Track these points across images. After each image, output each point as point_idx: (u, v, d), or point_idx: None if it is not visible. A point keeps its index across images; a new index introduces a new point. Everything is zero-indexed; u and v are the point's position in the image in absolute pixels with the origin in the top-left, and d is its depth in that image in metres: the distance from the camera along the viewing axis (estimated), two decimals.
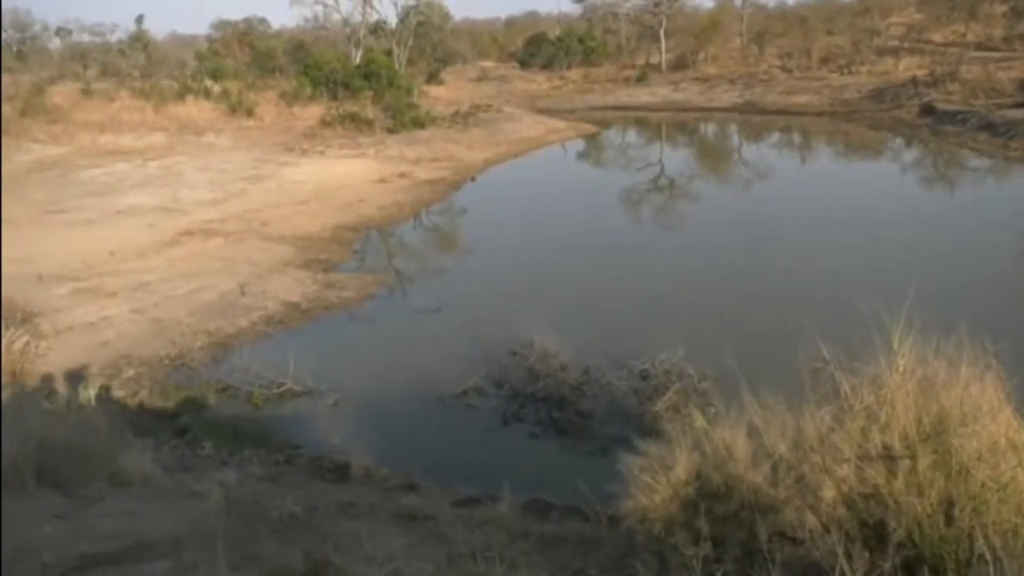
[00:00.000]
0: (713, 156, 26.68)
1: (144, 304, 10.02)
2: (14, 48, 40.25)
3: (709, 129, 32.80)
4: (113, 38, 40.14)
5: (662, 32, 44.39)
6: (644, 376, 7.45)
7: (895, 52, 35.29)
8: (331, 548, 3.93)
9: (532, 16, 68.50)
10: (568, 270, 11.91)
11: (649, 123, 33.91)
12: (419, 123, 25.13)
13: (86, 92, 26.65)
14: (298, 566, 3.69)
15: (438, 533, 4.62)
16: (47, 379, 7.69)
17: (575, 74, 45.96)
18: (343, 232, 14.16)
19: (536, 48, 50.00)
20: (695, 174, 22.39)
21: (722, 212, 16.83)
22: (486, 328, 9.20)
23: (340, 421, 6.89)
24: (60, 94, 25.88)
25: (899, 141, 25.25)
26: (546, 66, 47.95)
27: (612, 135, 31.14)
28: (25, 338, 8.13)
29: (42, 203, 15.74)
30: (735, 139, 30.27)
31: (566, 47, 48.30)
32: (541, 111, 33.44)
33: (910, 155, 23.51)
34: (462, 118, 26.68)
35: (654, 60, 45.38)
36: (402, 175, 19.41)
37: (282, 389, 7.62)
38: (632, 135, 31.89)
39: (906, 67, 32.62)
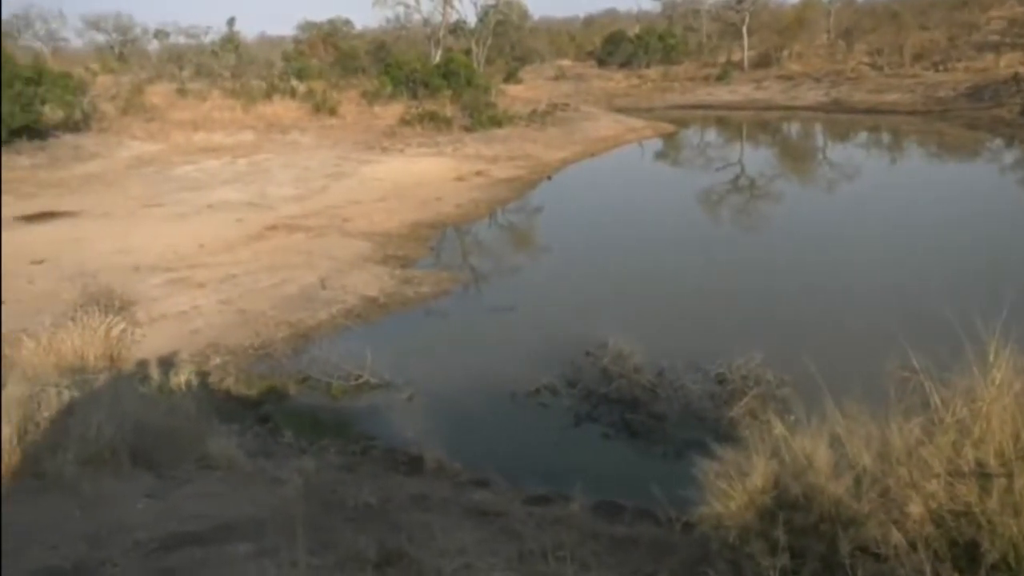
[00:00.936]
0: (796, 156, 25.91)
1: (231, 295, 10.41)
2: (116, 50, 42.46)
3: (792, 128, 31.87)
4: (207, 40, 41.92)
5: (744, 29, 43.33)
6: (720, 380, 7.31)
7: (995, 47, 33.48)
8: (405, 539, 4.01)
9: (611, 14, 68.02)
10: (643, 270, 11.78)
11: (729, 122, 33.19)
12: (496, 122, 25.28)
13: (181, 92, 27.88)
14: (372, 555, 3.78)
15: (509, 530, 4.64)
16: (142, 364, 8.07)
17: (654, 72, 45.39)
18: (420, 229, 14.39)
19: (615, 46, 49.60)
20: (776, 174, 21.79)
21: (804, 214, 16.33)
22: (560, 327, 9.20)
23: (415, 415, 6.99)
24: (157, 94, 27.15)
25: (998, 142, 23.94)
26: (624, 64, 47.51)
27: (691, 134, 30.62)
28: (122, 325, 8.54)
29: (140, 197, 16.57)
30: (820, 139, 29.32)
31: (645, 45, 47.74)
32: (619, 110, 33.17)
33: (1011, 156, 22.26)
34: (539, 117, 26.71)
35: (736, 58, 44.37)
36: (479, 173, 19.58)
37: (359, 381, 7.79)
38: (711, 134, 31.28)
39: (1008, 63, 30.92)
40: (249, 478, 5.40)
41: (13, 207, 15.58)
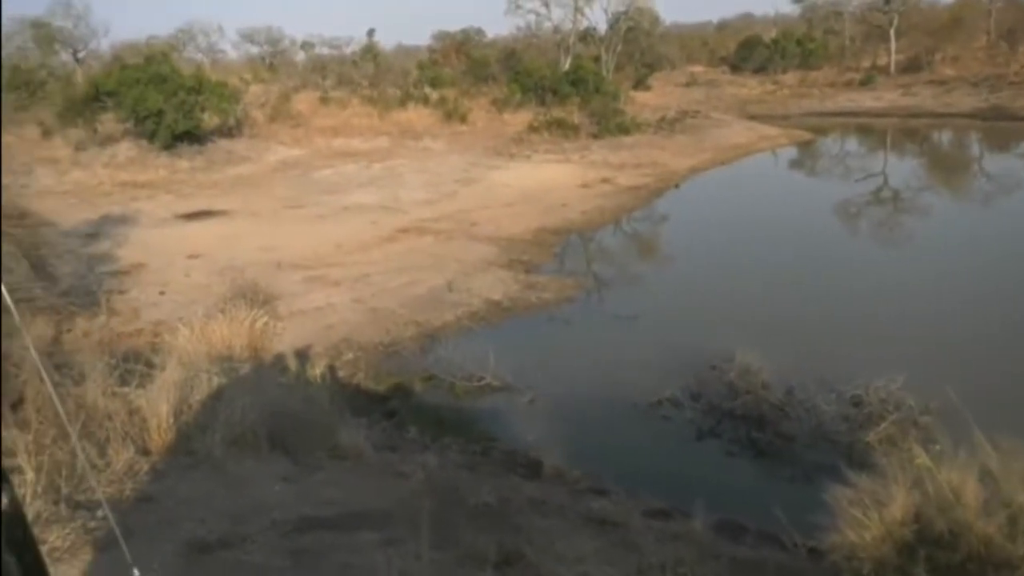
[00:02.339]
0: (947, 167, 24.14)
1: (363, 294, 10.88)
2: (267, 61, 45.37)
3: (944, 137, 29.72)
4: (348, 50, 44.13)
5: (892, 31, 40.87)
6: (856, 403, 6.91)
7: None
8: (524, 541, 4.05)
9: (746, 18, 65.95)
10: (774, 283, 11.34)
11: (872, 130, 31.38)
12: (624, 129, 25.09)
13: (324, 100, 29.43)
14: (492, 554, 3.84)
15: (628, 541, 4.59)
16: (281, 355, 8.57)
17: (791, 78, 43.63)
18: (545, 235, 14.49)
19: (749, 51, 48.08)
20: (924, 187, 20.39)
21: (955, 230, 15.18)
22: (684, 338, 9.01)
23: (535, 419, 7.05)
24: (302, 101, 28.78)
25: None
26: (759, 70, 45.96)
27: (829, 143, 29.18)
28: (265, 318, 9.10)
29: (284, 199, 17.62)
30: (975, 148, 27.18)
31: (782, 50, 45.99)
32: (752, 117, 32.10)
33: None
34: (668, 124, 26.27)
35: (881, 62, 41.94)
36: (605, 180, 19.49)
37: (482, 383, 7.93)
38: (852, 143, 29.69)
39: None
40: (375, 470, 5.61)
41: (174, 206, 16.98)
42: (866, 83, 39.12)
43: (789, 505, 4.98)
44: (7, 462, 4.00)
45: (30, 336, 6.25)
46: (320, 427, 5.90)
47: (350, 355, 8.84)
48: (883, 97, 36.39)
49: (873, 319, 9.59)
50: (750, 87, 43.05)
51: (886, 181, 21.10)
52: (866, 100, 36.46)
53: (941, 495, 3.39)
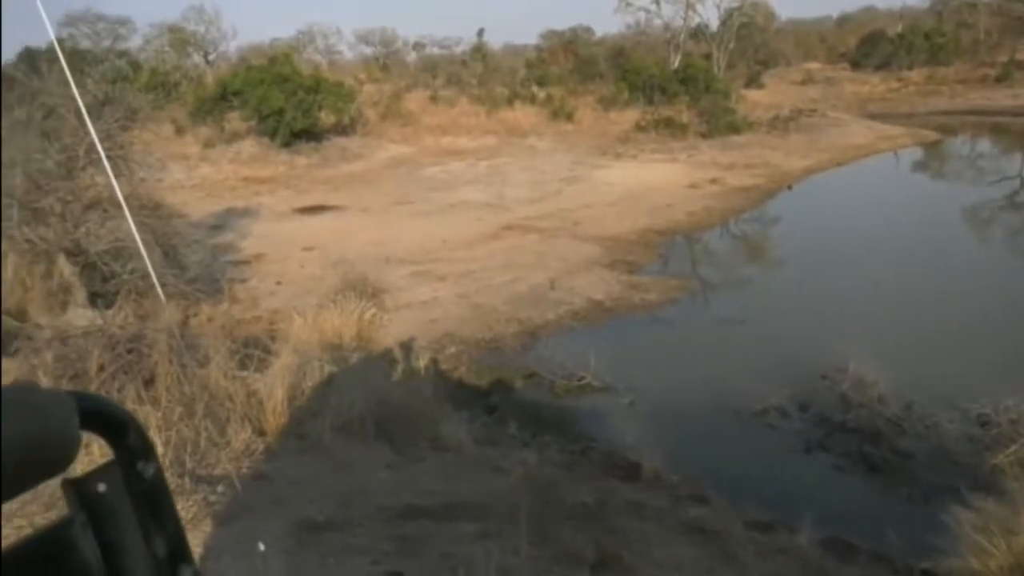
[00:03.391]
0: None
1: (467, 290, 11.06)
2: (380, 61, 46.77)
3: None
4: (458, 50, 44.89)
5: None
6: (983, 422, 6.46)
7: None
8: (621, 544, 4.01)
9: (869, 12, 62.56)
10: (892, 292, 10.74)
11: (1008, 130, 29.17)
12: (735, 128, 24.40)
13: (433, 99, 30.08)
14: (589, 555, 3.82)
15: (728, 552, 4.47)
16: (386, 347, 8.83)
17: (917, 75, 41.17)
18: (649, 235, 14.29)
19: (871, 47, 45.69)
20: None
21: None
22: (793, 346, 8.67)
23: (635, 421, 6.96)
24: (413, 101, 29.53)
25: None
26: (882, 66, 43.60)
27: (958, 143, 27.35)
28: (373, 310, 9.40)
29: (393, 195, 18.14)
30: None
31: (908, 44, 43.45)
32: (872, 116, 30.51)
33: None
34: (781, 123, 25.36)
35: (1020, 57, 38.89)
36: (713, 181, 19.03)
37: (582, 382, 7.91)
38: (984, 144, 27.72)
39: None
40: (475, 463, 5.70)
41: (292, 200, 17.79)
42: (1002, 79, 36.43)
43: (903, 526, 4.71)
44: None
45: (163, 319, 6.70)
46: (423, 418, 6.04)
47: (453, 349, 9.00)
48: (1021, 95, 33.78)
49: (1003, 334, 8.92)
50: (872, 84, 40.89)
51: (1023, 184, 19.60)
52: (1002, 98, 33.95)
53: None
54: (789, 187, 19.06)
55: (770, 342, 8.96)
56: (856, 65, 45.97)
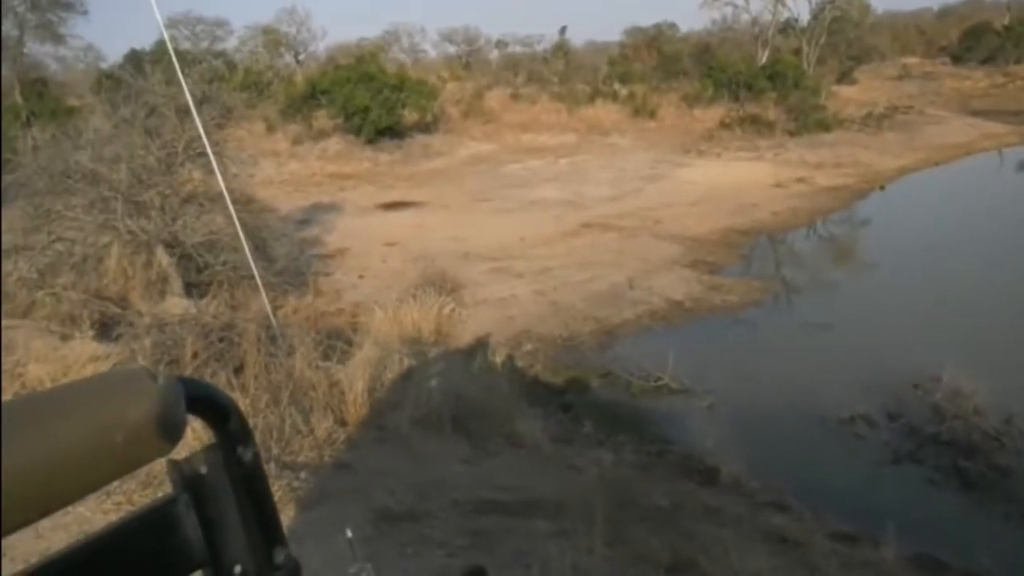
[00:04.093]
0: None
1: (545, 287, 11.06)
2: (463, 60, 47.27)
3: None
4: (539, 48, 44.87)
5: None
6: None
7: None
8: (697, 549, 3.94)
9: (972, 4, 59.15)
10: (991, 299, 10.14)
11: None
12: (824, 126, 23.58)
13: (514, 96, 30.19)
14: (664, 559, 3.77)
15: (808, 562, 4.34)
16: (464, 342, 8.93)
17: None
18: (732, 235, 13.98)
19: (975, 40, 43.28)
20: None
21: None
22: (881, 353, 8.31)
23: (713, 424, 6.82)
24: (494, 98, 29.71)
25: None
26: (986, 61, 41.22)
27: None
28: (451, 305, 9.52)
29: (474, 192, 18.32)
30: None
31: (1016, 37, 40.93)
32: (975, 113, 28.90)
33: None
34: (875, 120, 24.36)
35: None
36: (800, 180, 18.45)
37: (659, 383, 7.81)
38: None
39: None
40: (550, 461, 5.71)
41: (375, 196, 18.19)
42: None
43: (998, 547, 4.47)
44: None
45: (254, 309, 6.97)
46: (499, 414, 6.09)
47: (529, 346, 9.03)
48: None
49: None
50: (974, 80, 38.69)
51: None
52: None
53: None
54: (881, 187, 18.29)
55: (858, 348, 8.62)
56: (957, 60, 43.60)
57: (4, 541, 0.48)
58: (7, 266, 8.34)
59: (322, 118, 23.75)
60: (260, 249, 9.77)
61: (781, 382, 7.96)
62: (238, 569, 0.67)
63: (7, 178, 9.29)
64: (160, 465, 0.63)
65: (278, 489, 4.06)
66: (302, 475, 4.40)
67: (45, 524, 2.65)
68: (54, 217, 8.93)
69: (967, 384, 6.79)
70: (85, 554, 0.58)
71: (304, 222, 15.13)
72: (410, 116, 23.99)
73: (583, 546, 3.59)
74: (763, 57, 31.86)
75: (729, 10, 37.70)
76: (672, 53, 37.61)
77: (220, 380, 5.37)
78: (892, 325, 9.45)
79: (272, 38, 37.03)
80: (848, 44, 38.89)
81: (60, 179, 8.84)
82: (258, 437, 4.69)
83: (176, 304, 8.25)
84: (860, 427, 6.90)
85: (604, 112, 27.39)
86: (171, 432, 0.56)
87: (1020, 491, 5.84)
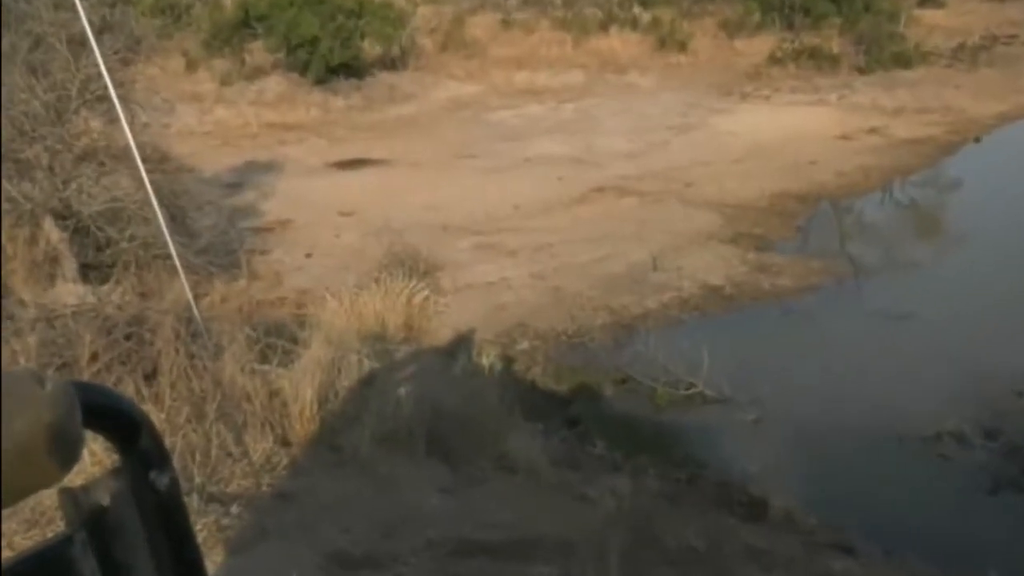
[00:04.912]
0: None
1: (544, 268, 11.08)
2: None
3: None
4: None
5: None
6: None
7: None
8: None
9: None
10: None
11: None
12: (904, 60, 23.60)
13: (505, 23, 30.03)
14: None
15: None
16: (442, 339, 8.94)
17: None
18: (785, 201, 14.00)
19: None
20: None
21: None
22: (976, 353, 8.37)
23: (760, 444, 6.88)
24: (479, 26, 29.53)
25: None
26: None
27: None
28: (425, 292, 9.52)
29: (453, 146, 18.28)
30: None
31: None
32: None
33: None
34: (968, 54, 24.39)
35: None
36: (873, 131, 18.47)
37: (691, 391, 7.84)
38: None
39: None
40: (552, 490, 5.74)
41: (326, 152, 18.14)
42: None
43: None
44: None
45: (168, 299, 6.95)
46: (487, 430, 6.10)
47: (525, 344, 9.05)
48: None
49: None
50: None
51: None
52: None
53: None
54: (976, 139, 18.34)
55: (944, 346, 8.68)
56: None
57: None
58: None
59: (258, 51, 23.56)
60: (178, 221, 9.74)
61: (845, 388, 8.03)
62: None
63: None
64: (50, 496, 0.62)
65: (202, 527, 4.07)
66: (233, 509, 4.40)
67: None
68: None
69: None
70: None
71: (235, 186, 15.09)
72: (371, 49, 23.83)
73: None
74: None
75: None
76: None
77: (127, 388, 5.35)
78: (989, 317, 9.50)
79: None
80: None
81: None
82: (177, 460, 4.69)
83: (69, 291, 8.22)
84: (948, 447, 6.97)
85: (620, 43, 27.29)
86: (64, 453, 0.55)
87: None
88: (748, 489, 6.22)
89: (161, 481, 0.68)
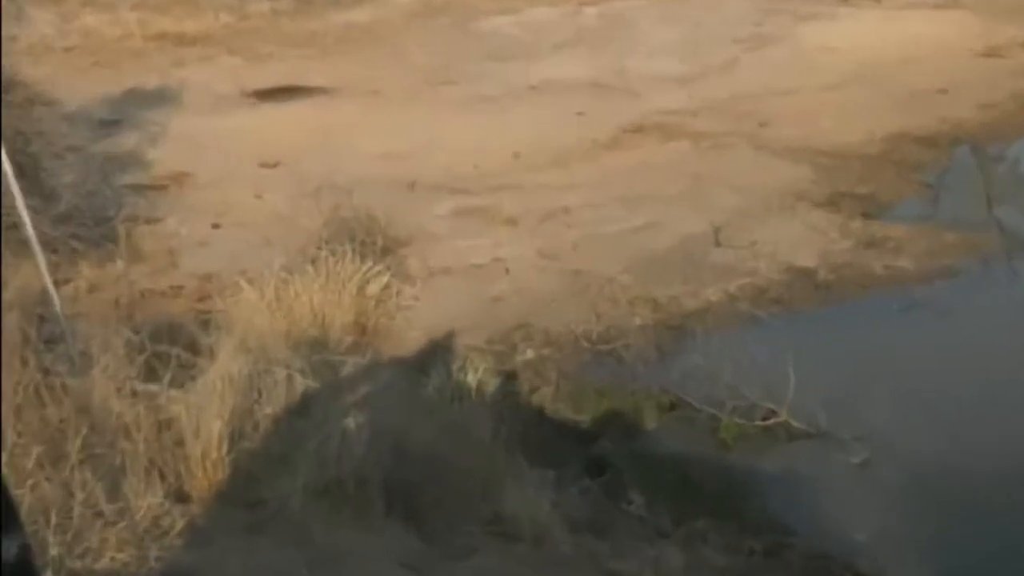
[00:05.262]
0: None
1: (558, 243, 11.03)
2: None
3: None
4: None
5: None
6: None
7: None
8: None
9: None
10: None
11: None
12: None
13: None
14: None
15: None
16: (409, 346, 8.90)
17: None
18: (905, 146, 14.01)
19: None
20: None
21: None
22: None
23: (870, 496, 6.88)
24: None
25: None
26: None
27: None
28: (385, 278, 9.47)
29: (425, 68, 18.19)
30: None
31: None
32: None
33: None
34: None
35: None
36: None
37: (770, 421, 7.83)
38: None
39: None
40: (569, 566, 5.70)
41: (243, 76, 18.03)
42: None
43: None
44: None
45: (14, 286, 6.88)
46: (474, 480, 6.07)
47: (530, 354, 9.01)
48: None
49: None
50: None
51: None
52: None
53: None
54: None
55: None
56: None
57: None
58: None
59: None
60: (28, 175, 9.68)
61: (990, 416, 8.03)
62: None
63: None
64: None
65: None
66: None
67: None
68: None
69: None
70: None
71: (111, 124, 15.02)
72: None
73: None
74: None
75: None
76: None
77: None
78: None
79: None
80: None
81: None
82: (27, 519, 4.64)
83: None
84: None
85: None
86: None
87: None
88: (855, 563, 6.25)
89: (8, 552, 0.67)
